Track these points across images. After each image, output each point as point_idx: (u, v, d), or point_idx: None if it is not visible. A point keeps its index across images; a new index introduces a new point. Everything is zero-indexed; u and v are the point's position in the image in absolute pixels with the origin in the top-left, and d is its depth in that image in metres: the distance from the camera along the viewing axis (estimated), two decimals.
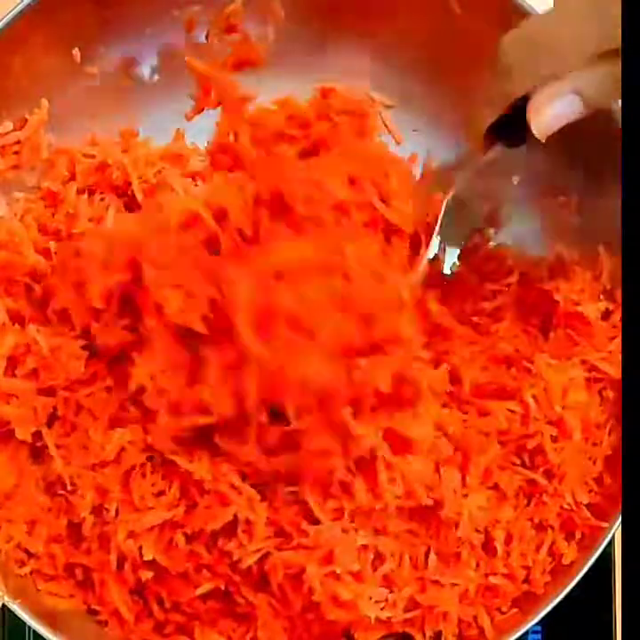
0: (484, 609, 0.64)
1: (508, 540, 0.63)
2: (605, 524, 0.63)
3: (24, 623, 0.61)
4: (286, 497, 0.59)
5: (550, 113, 0.53)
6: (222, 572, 0.61)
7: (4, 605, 0.61)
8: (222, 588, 0.61)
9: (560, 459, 0.63)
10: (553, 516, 0.64)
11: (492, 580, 0.63)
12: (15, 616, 0.61)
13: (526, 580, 0.64)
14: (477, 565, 0.63)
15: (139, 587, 0.63)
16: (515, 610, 0.64)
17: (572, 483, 0.64)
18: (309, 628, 0.62)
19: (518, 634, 0.61)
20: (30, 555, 0.64)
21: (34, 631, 0.61)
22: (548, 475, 0.64)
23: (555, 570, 0.64)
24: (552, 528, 0.64)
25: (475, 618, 0.64)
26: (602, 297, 0.67)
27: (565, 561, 0.64)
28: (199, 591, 0.61)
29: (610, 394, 0.66)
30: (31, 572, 0.64)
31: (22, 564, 0.64)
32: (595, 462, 0.65)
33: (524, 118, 0.54)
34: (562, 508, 0.64)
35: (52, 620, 0.61)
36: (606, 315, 0.67)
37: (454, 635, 0.64)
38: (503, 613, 0.64)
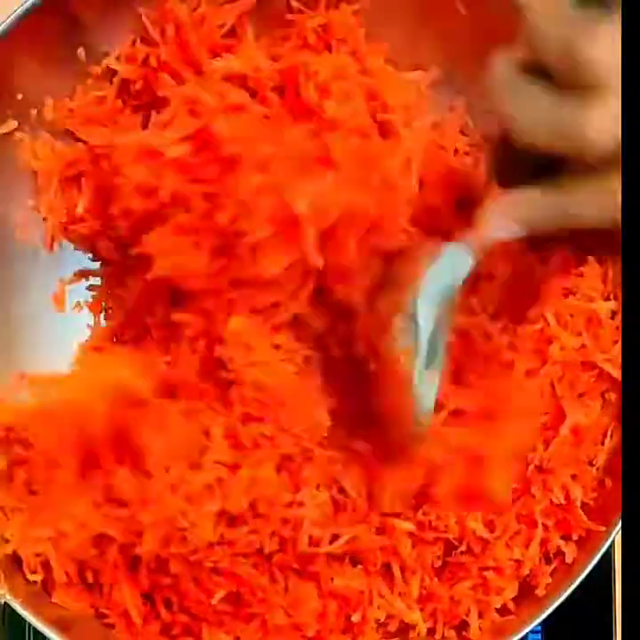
0: (475, 605, 0.64)
1: (491, 528, 0.64)
2: (603, 528, 0.63)
3: (24, 623, 0.60)
4: None
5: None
6: (238, 573, 0.61)
7: (4, 605, 0.61)
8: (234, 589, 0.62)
9: (548, 453, 0.64)
10: (540, 510, 0.64)
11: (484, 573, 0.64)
12: (15, 616, 0.60)
13: (519, 577, 0.65)
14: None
15: (149, 589, 0.63)
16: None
17: (562, 478, 0.64)
18: None
19: (520, 635, 0.62)
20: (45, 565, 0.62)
21: (34, 631, 0.61)
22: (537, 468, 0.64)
23: (555, 571, 0.65)
24: (545, 527, 0.64)
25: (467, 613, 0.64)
26: (611, 297, 0.67)
27: (566, 560, 0.64)
28: (216, 597, 0.60)
29: (612, 396, 0.66)
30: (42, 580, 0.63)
31: (34, 571, 0.62)
32: (595, 465, 0.66)
33: None
34: (551, 502, 0.64)
35: (55, 621, 0.60)
36: (611, 316, 0.67)
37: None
38: (497, 610, 0.65)
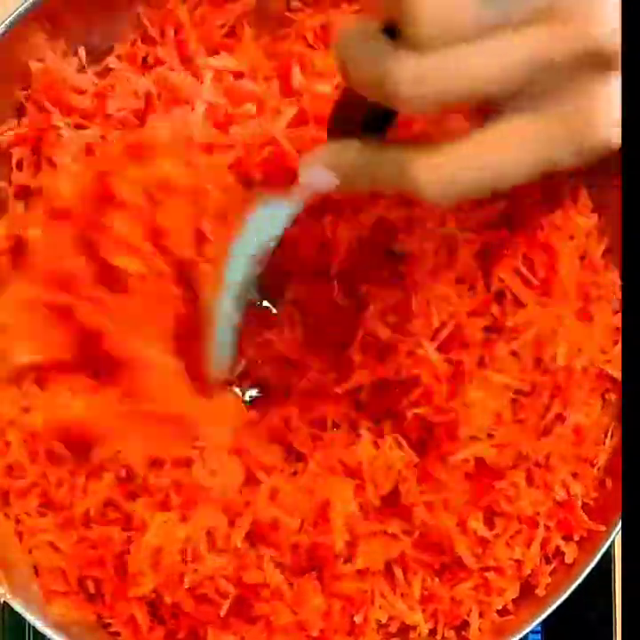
0: (476, 605, 0.64)
1: (490, 527, 0.64)
2: (603, 527, 0.63)
3: (24, 623, 0.60)
4: None
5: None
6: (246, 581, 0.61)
7: (4, 605, 0.60)
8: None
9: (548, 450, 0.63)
10: (542, 510, 0.64)
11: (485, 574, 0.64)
12: (15, 616, 0.59)
13: (520, 577, 0.65)
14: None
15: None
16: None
17: (561, 474, 0.64)
18: None
19: (520, 635, 0.62)
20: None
21: (34, 631, 0.60)
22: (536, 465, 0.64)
23: (555, 571, 0.65)
24: (547, 527, 0.64)
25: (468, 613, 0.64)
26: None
27: (567, 560, 0.64)
28: (223, 609, 0.60)
29: (612, 396, 0.66)
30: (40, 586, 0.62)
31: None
32: (596, 465, 0.65)
33: None
34: (554, 501, 0.64)
35: (56, 622, 0.60)
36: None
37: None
38: (497, 611, 0.65)
